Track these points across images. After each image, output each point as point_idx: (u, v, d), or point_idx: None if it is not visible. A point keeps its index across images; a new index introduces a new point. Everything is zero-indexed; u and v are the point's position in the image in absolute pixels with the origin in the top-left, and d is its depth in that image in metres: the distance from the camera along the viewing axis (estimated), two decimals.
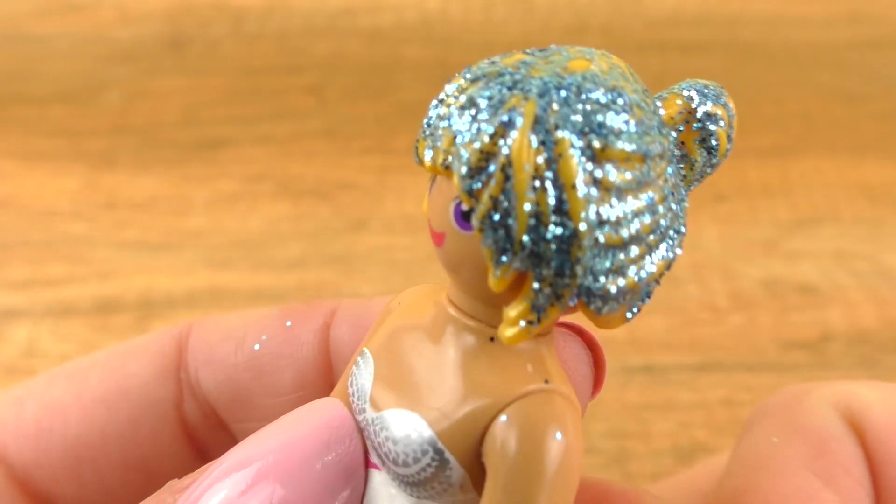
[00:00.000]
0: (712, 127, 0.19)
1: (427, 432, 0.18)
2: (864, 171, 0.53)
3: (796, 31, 0.63)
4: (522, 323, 0.17)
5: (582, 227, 0.16)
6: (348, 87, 0.58)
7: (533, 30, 0.62)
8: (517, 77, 0.17)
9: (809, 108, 0.57)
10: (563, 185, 0.16)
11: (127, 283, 0.46)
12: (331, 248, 0.48)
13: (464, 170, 0.17)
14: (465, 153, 0.17)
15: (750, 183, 0.52)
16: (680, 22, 0.63)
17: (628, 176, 0.17)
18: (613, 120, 0.17)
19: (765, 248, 0.49)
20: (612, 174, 0.16)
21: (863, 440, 0.24)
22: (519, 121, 0.16)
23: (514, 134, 0.16)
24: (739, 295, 0.46)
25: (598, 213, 0.16)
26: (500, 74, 0.17)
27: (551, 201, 0.16)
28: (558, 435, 0.17)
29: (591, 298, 0.17)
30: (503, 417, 0.17)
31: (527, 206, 0.16)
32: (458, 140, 0.17)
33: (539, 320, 0.17)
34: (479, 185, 0.16)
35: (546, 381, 0.17)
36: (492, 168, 0.16)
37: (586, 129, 0.16)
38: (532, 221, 0.16)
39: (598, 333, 0.20)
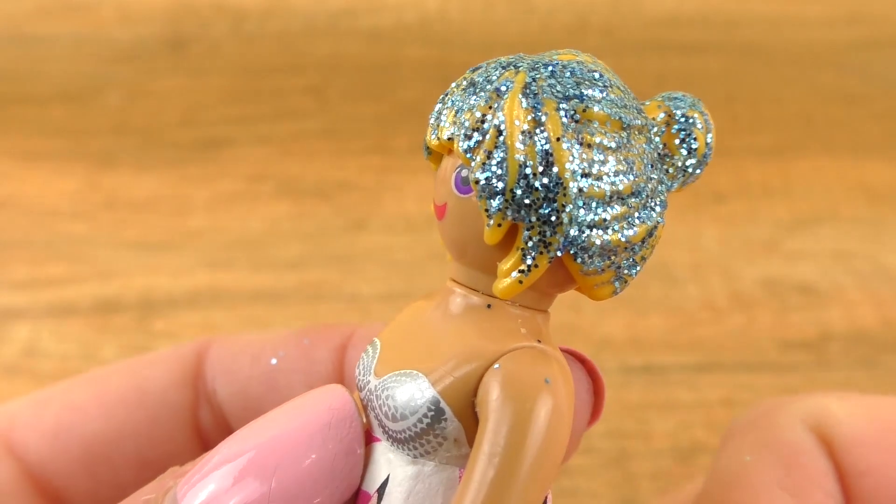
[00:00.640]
0: (690, 128, 0.20)
1: (424, 385, 0.19)
2: (864, 171, 0.53)
3: (796, 31, 0.63)
4: (514, 273, 0.19)
5: (567, 175, 0.18)
6: (348, 87, 0.58)
7: (533, 30, 0.62)
8: (511, 59, 0.19)
9: (809, 108, 0.57)
10: (549, 139, 0.18)
11: (127, 283, 0.46)
12: (331, 248, 0.48)
13: (463, 133, 0.19)
14: (464, 120, 0.19)
15: (750, 183, 0.52)
16: (680, 22, 0.63)
17: (608, 137, 0.19)
18: (594, 90, 0.19)
19: (765, 248, 0.49)
20: (593, 133, 0.18)
21: (833, 453, 0.25)
22: (510, 86, 0.19)
23: (505, 97, 0.18)
24: (739, 295, 0.46)
25: (580, 166, 0.18)
26: (496, 61, 0.19)
27: (539, 153, 0.18)
28: (547, 379, 0.18)
29: (577, 251, 0.19)
30: (495, 366, 0.18)
31: (517, 157, 0.18)
32: (458, 113, 0.19)
33: (529, 269, 0.18)
34: (475, 143, 0.18)
35: (538, 341, 0.19)
36: (486, 126, 0.18)
37: (570, 95, 0.19)
38: (522, 170, 0.18)
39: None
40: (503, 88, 0.19)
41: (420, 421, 0.19)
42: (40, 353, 0.43)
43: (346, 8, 0.64)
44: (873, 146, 0.55)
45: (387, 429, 0.19)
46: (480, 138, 0.19)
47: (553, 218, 0.18)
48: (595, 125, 0.19)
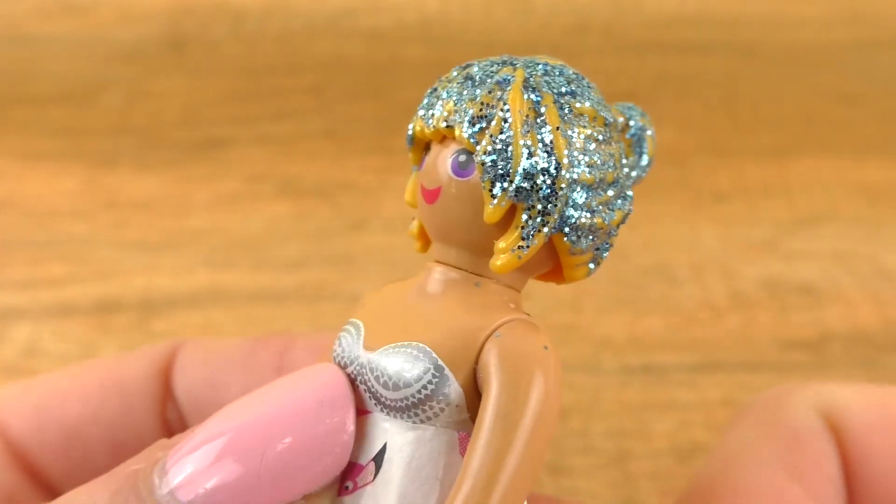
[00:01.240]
0: (643, 135, 0.23)
1: (427, 352, 0.20)
2: (864, 171, 0.53)
3: (796, 32, 0.63)
4: (514, 250, 0.20)
5: (564, 161, 0.20)
6: (348, 87, 0.58)
7: (533, 30, 0.62)
8: (503, 58, 0.21)
9: (809, 108, 0.58)
10: (550, 128, 0.20)
11: (127, 283, 0.46)
12: (331, 248, 0.48)
13: (466, 120, 0.20)
14: (467, 108, 0.20)
15: (750, 183, 0.52)
16: (680, 22, 0.63)
17: (596, 131, 0.21)
18: (581, 90, 0.21)
19: (765, 248, 0.49)
20: (585, 126, 0.21)
21: (840, 440, 0.25)
22: (512, 79, 0.20)
23: (508, 88, 0.20)
24: (739, 295, 0.46)
25: (575, 154, 0.20)
26: (488, 59, 0.21)
27: (540, 140, 0.20)
28: (545, 346, 0.20)
29: (569, 230, 0.20)
30: (497, 334, 0.20)
31: (521, 142, 0.20)
32: (458, 103, 0.20)
33: (528, 246, 0.20)
34: (479, 129, 0.20)
35: (528, 315, 0.20)
36: (491, 113, 0.20)
37: (563, 91, 0.21)
38: (526, 153, 0.20)
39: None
40: (504, 81, 0.20)
41: (424, 388, 0.20)
42: (40, 353, 0.43)
43: (346, 8, 0.64)
44: (873, 146, 0.55)
45: (383, 399, 0.20)
46: (485, 125, 0.20)
47: (552, 199, 0.20)
48: (585, 119, 0.21)
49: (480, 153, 0.20)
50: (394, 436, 0.20)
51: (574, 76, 0.21)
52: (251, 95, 0.58)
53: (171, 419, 0.29)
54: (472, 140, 0.20)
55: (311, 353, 0.27)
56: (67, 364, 0.42)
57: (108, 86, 0.58)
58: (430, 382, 0.20)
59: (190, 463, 0.20)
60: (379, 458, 0.20)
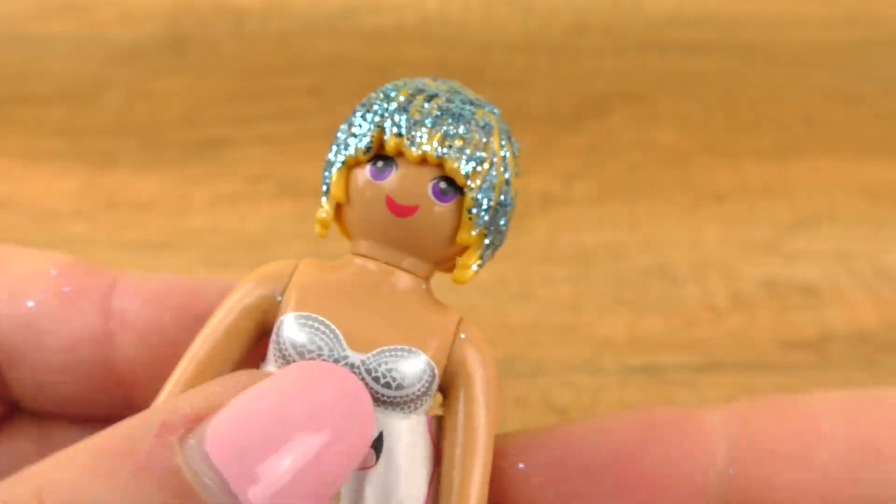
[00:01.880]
0: None
1: (422, 357, 0.23)
2: (864, 171, 0.53)
3: (796, 31, 0.63)
4: (475, 266, 0.25)
5: (514, 194, 0.25)
6: (348, 87, 0.58)
7: (533, 30, 0.62)
8: (467, 95, 0.25)
9: (809, 108, 0.58)
10: (510, 168, 0.24)
11: None
12: (331, 248, 0.48)
13: (465, 158, 0.23)
14: (460, 146, 0.23)
15: (750, 183, 0.52)
16: (680, 22, 0.63)
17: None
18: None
19: (765, 248, 0.49)
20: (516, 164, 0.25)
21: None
22: (493, 126, 0.24)
23: (492, 134, 0.24)
24: (739, 295, 0.46)
25: (514, 188, 0.25)
26: (453, 90, 0.24)
27: (507, 180, 0.24)
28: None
29: (497, 246, 0.25)
30: (462, 335, 0.24)
31: (499, 180, 0.24)
32: (447, 138, 0.23)
33: (483, 264, 0.25)
34: (472, 169, 0.23)
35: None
36: (481, 156, 0.24)
37: (509, 134, 0.25)
38: (500, 192, 0.24)
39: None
40: (486, 126, 0.24)
41: (423, 386, 0.23)
42: None
43: (346, 8, 0.64)
44: (873, 146, 0.55)
45: (379, 395, 0.23)
46: (477, 166, 0.23)
47: (505, 226, 0.25)
48: (516, 158, 0.25)
49: (475, 190, 0.23)
50: (391, 425, 0.23)
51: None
52: (251, 95, 0.58)
53: None
54: (466, 177, 0.23)
55: (144, 303, 0.27)
56: None
57: (108, 86, 0.58)
58: (427, 382, 0.23)
59: (268, 471, 0.19)
60: (378, 445, 0.23)
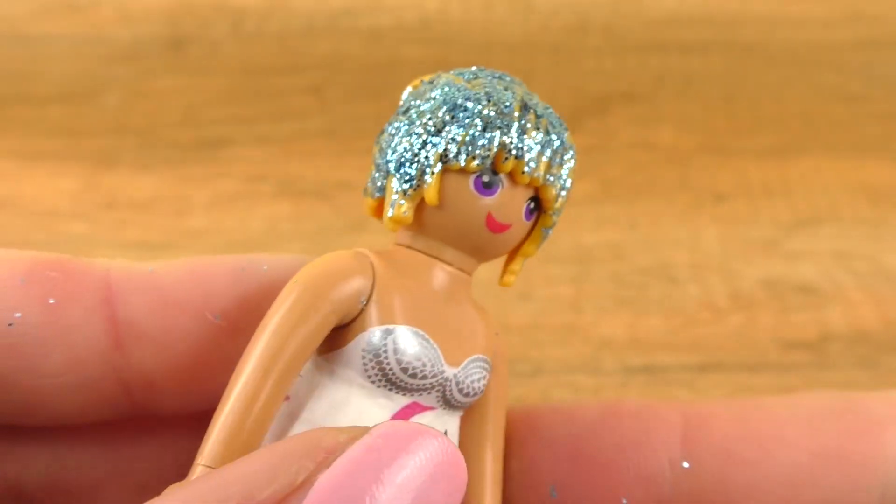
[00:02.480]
0: None
1: (487, 360, 0.24)
2: (864, 171, 0.53)
3: (796, 31, 0.63)
4: (516, 273, 0.26)
5: None
6: (348, 87, 0.58)
7: (533, 30, 0.62)
8: (548, 106, 0.25)
9: (809, 108, 0.57)
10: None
11: None
12: (331, 248, 0.47)
13: (559, 186, 0.24)
14: (562, 175, 0.24)
15: (750, 183, 0.52)
16: (680, 22, 0.63)
17: None
18: None
19: (765, 248, 0.49)
20: None
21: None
22: (571, 147, 0.25)
23: (571, 157, 0.25)
24: (739, 295, 0.46)
25: None
26: (542, 103, 0.25)
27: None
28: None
29: None
30: (496, 333, 0.25)
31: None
32: (552, 165, 0.24)
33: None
34: (563, 195, 0.25)
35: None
36: (570, 182, 0.25)
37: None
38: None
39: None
40: (569, 146, 0.24)
41: (483, 387, 0.24)
42: None
43: (346, 8, 0.63)
44: (874, 146, 0.55)
45: (455, 402, 0.24)
46: (566, 193, 0.25)
47: None
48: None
49: (557, 214, 0.25)
50: (451, 425, 0.24)
51: None
52: (250, 95, 0.58)
53: None
54: (554, 200, 0.24)
55: (150, 306, 0.24)
56: None
57: (108, 86, 0.58)
58: (486, 383, 0.24)
59: None
60: None
